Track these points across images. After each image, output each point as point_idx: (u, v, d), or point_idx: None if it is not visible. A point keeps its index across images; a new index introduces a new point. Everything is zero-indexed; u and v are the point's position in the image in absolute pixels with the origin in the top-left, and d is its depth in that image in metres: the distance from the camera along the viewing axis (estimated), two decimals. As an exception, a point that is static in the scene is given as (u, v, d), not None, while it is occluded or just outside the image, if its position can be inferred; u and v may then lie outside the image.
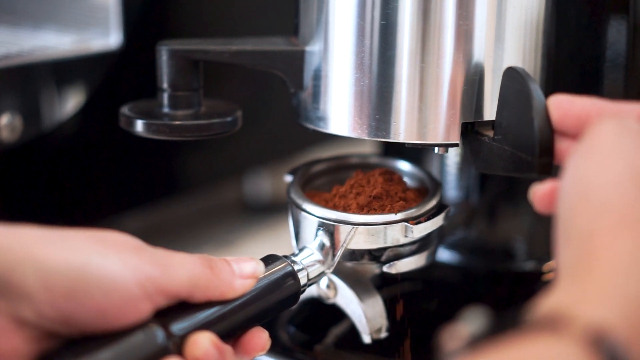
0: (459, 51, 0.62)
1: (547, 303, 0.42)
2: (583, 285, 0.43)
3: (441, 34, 0.62)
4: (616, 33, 0.67)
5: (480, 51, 0.62)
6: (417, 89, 0.62)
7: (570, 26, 0.69)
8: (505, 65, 0.63)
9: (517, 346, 0.40)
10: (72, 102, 0.84)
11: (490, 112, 0.63)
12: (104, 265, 0.49)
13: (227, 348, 0.54)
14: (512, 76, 0.59)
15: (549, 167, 0.55)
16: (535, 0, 0.64)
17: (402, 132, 0.63)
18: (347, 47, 0.63)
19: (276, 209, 1.07)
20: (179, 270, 0.52)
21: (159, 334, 0.51)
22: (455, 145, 0.63)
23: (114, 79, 0.84)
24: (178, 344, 0.52)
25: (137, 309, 0.50)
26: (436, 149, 0.64)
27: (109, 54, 0.81)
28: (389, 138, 0.63)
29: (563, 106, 0.54)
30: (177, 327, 0.52)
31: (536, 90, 0.55)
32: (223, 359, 0.53)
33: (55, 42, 0.80)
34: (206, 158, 1.00)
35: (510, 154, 0.58)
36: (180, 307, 0.53)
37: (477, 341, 0.42)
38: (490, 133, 0.62)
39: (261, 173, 1.10)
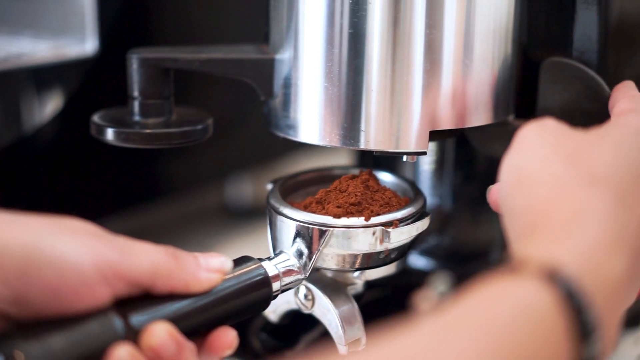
0: (427, 60, 0.62)
1: (509, 256, 0.47)
2: (532, 240, 0.48)
3: (410, 42, 0.62)
4: (587, 42, 0.67)
5: (449, 59, 0.63)
6: (386, 98, 0.62)
7: (541, 34, 0.69)
8: (475, 73, 0.63)
9: (478, 291, 0.44)
10: (49, 107, 0.84)
11: (460, 119, 0.64)
12: (58, 244, 0.48)
13: (188, 344, 0.52)
14: (559, 67, 0.64)
15: None
16: (504, 9, 0.64)
17: (372, 140, 0.63)
18: (316, 56, 0.63)
19: (258, 214, 1.07)
20: (140, 256, 0.51)
21: (116, 322, 0.50)
22: (424, 153, 0.64)
23: (91, 84, 0.84)
24: (136, 335, 0.50)
25: (93, 292, 0.49)
26: (405, 157, 0.64)
27: (85, 60, 0.81)
28: (358, 146, 0.64)
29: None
30: (137, 318, 0.51)
31: (597, 75, 0.63)
32: (181, 353, 0.51)
33: (31, 49, 0.80)
34: (188, 163, 1.00)
35: None
36: (143, 298, 0.52)
37: (445, 298, 0.44)
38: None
39: (243, 178, 1.10)
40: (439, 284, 0.45)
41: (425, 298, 0.46)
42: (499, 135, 0.68)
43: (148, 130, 0.66)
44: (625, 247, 0.48)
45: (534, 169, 0.52)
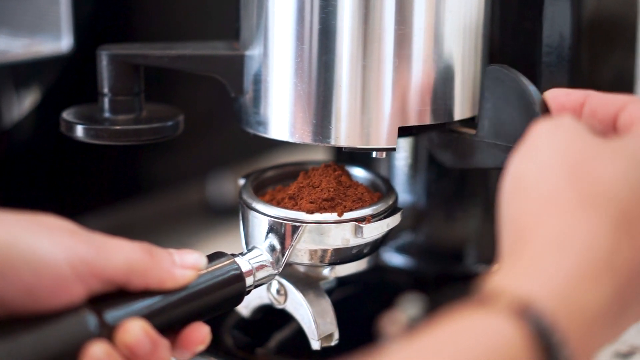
0: (397, 56, 0.62)
1: (484, 286, 0.45)
2: (513, 265, 0.46)
3: (380, 38, 0.62)
4: (558, 38, 0.67)
5: (419, 56, 0.63)
6: (355, 94, 0.62)
7: (512, 30, 0.69)
8: (444, 69, 0.63)
9: (447, 323, 0.42)
10: (25, 104, 0.84)
11: (430, 115, 0.64)
12: (33, 243, 0.48)
13: (163, 341, 0.52)
14: (498, 75, 0.61)
15: None
16: (474, 5, 0.64)
17: (342, 136, 0.63)
18: (286, 52, 0.63)
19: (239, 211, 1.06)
20: (116, 253, 0.51)
21: (90, 319, 0.50)
22: (393, 149, 0.64)
23: (67, 81, 0.84)
24: (111, 332, 0.50)
25: (68, 290, 0.49)
26: (374, 153, 0.64)
27: (60, 57, 0.81)
28: (328, 143, 0.64)
29: (560, 99, 0.57)
30: (112, 314, 0.51)
31: (532, 86, 0.59)
32: (156, 350, 0.51)
33: (5, 46, 0.80)
34: (169, 160, 1.00)
35: (504, 148, 0.61)
36: (118, 295, 0.52)
37: (414, 324, 0.43)
38: (468, 130, 0.65)
39: (224, 175, 1.10)
40: (409, 306, 0.44)
41: (393, 321, 0.45)
42: (449, 143, 0.67)
43: (117, 127, 0.66)
44: (613, 275, 0.45)
45: (533, 176, 0.49)
